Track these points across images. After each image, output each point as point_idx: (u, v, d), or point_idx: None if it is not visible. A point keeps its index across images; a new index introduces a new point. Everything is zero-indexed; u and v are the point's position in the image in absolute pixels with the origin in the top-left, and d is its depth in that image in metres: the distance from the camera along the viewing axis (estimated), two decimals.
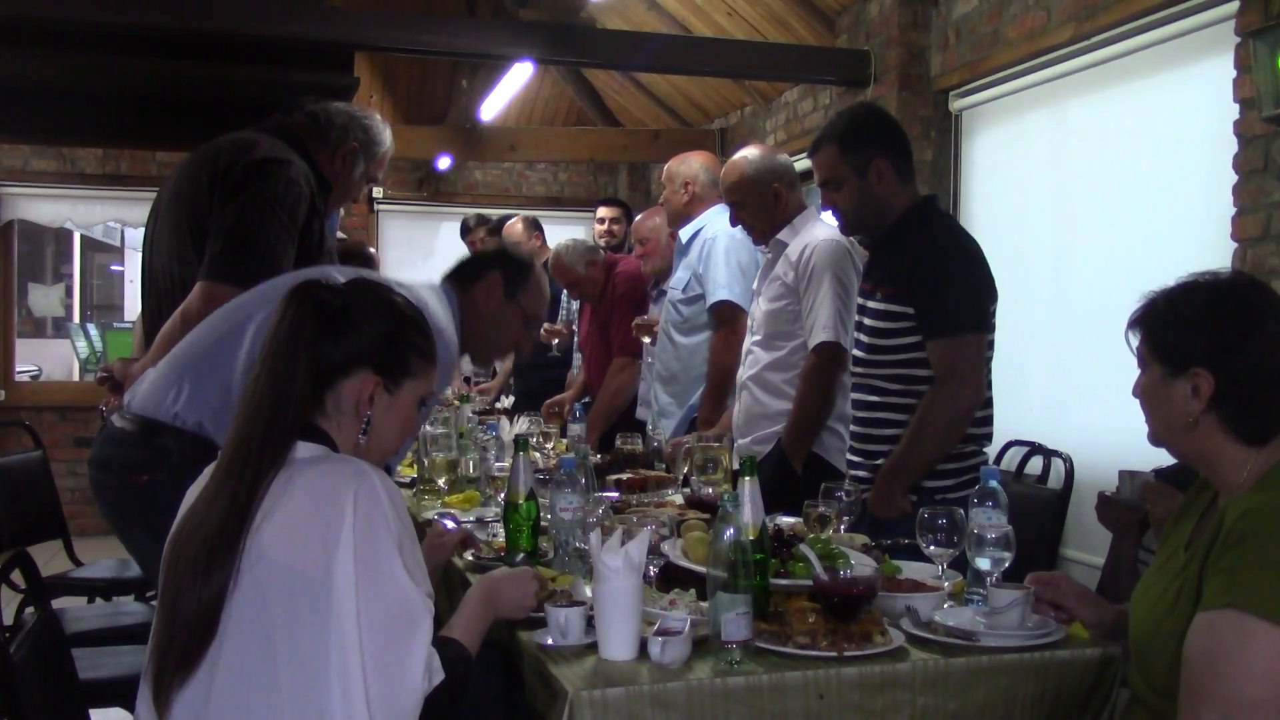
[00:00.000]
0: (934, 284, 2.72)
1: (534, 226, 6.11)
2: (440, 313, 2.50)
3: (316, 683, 1.59)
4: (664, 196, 4.24)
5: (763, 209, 3.53)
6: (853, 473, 2.90)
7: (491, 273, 2.72)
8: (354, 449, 1.79)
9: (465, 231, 6.75)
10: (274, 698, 1.59)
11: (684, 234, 4.13)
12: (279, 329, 1.75)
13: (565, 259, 4.97)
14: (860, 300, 2.95)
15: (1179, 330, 1.73)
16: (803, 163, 5.10)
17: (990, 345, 2.80)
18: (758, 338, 3.56)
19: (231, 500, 1.65)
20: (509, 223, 6.26)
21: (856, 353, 2.93)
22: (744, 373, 3.61)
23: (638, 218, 4.74)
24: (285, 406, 1.70)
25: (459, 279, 2.73)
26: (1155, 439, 1.83)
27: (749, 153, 3.62)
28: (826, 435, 3.40)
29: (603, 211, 6.08)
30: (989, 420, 2.83)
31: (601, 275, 4.93)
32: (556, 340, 5.48)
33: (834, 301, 3.31)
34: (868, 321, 2.86)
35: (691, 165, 4.18)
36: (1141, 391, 1.79)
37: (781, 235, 3.53)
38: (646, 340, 4.38)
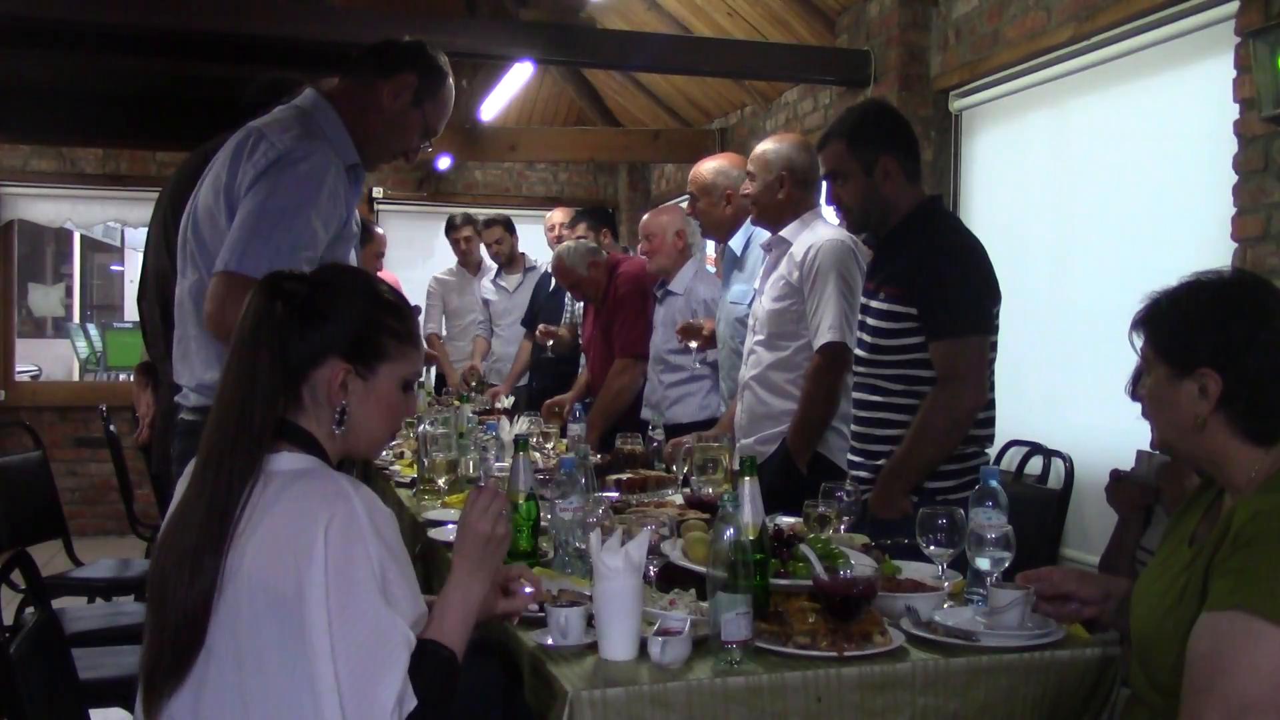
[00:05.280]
0: (937, 285, 2.72)
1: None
2: (322, 122, 2.47)
3: (286, 706, 1.56)
4: (700, 207, 3.99)
5: (765, 189, 3.55)
6: (854, 473, 2.90)
7: (406, 73, 2.57)
8: (329, 440, 1.74)
9: (450, 229, 6.80)
10: (244, 716, 1.58)
11: (735, 244, 3.96)
12: (242, 324, 1.70)
13: (567, 260, 4.97)
14: (863, 300, 2.95)
15: (1185, 330, 1.72)
16: None
17: (993, 346, 2.80)
18: (760, 337, 3.56)
19: (210, 506, 1.62)
20: (550, 214, 6.35)
21: (859, 352, 2.94)
22: (746, 372, 3.61)
23: (645, 216, 4.71)
24: (252, 404, 1.66)
25: (370, 67, 2.59)
26: (1162, 441, 1.83)
27: (777, 140, 3.66)
28: (831, 435, 3.39)
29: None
30: (990, 421, 2.83)
31: (604, 276, 4.92)
32: (551, 342, 5.48)
33: (839, 302, 3.30)
34: (871, 321, 2.86)
35: (731, 175, 3.91)
36: (1147, 393, 1.78)
37: (785, 233, 3.53)
38: (694, 344, 4.14)
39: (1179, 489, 2.29)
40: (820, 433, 3.38)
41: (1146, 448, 2.47)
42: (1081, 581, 1.99)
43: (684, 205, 4.37)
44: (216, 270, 2.33)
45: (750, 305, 3.76)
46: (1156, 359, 1.76)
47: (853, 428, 3.00)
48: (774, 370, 3.51)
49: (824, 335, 3.32)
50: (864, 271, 3.33)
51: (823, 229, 3.48)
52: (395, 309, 1.81)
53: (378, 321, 1.77)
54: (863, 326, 2.92)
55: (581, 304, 5.40)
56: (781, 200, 3.54)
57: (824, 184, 3.16)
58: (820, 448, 3.39)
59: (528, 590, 1.94)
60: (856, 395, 2.96)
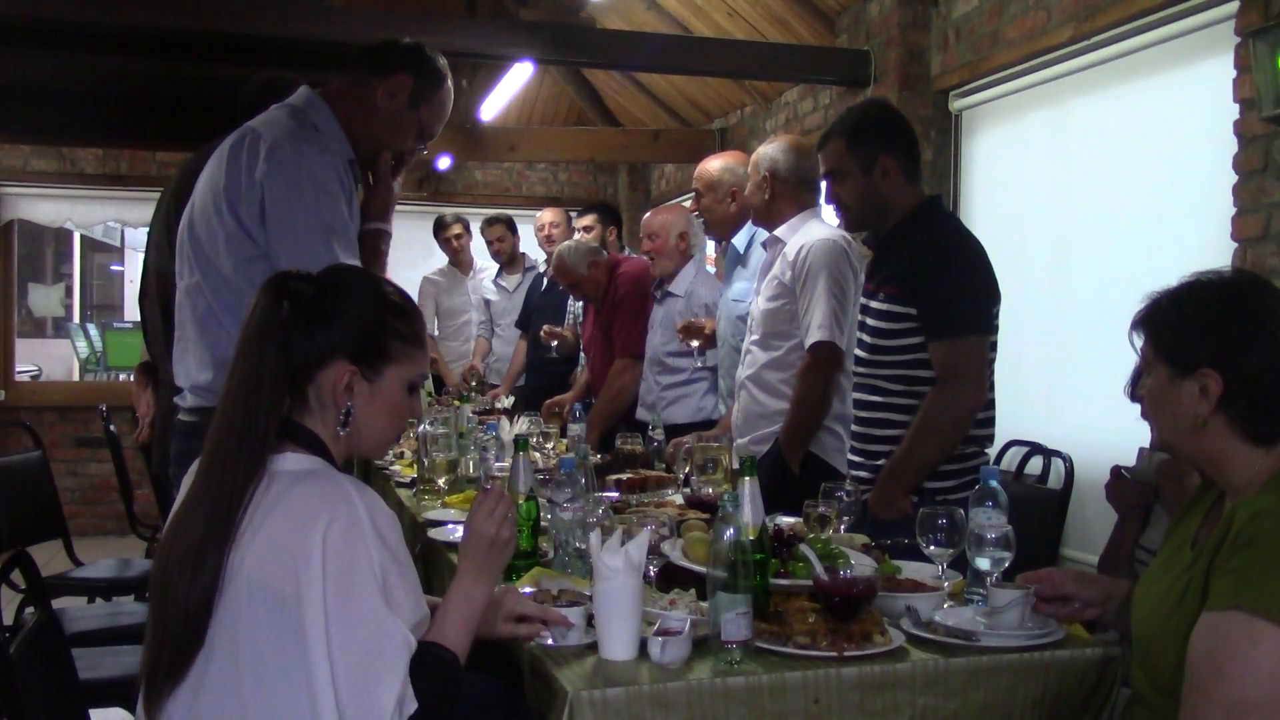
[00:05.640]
0: (936, 285, 2.72)
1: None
2: (316, 120, 2.47)
3: (284, 708, 1.56)
4: (705, 203, 3.99)
5: (754, 190, 3.60)
6: (854, 473, 2.90)
7: (401, 74, 2.57)
8: (334, 442, 1.75)
9: (440, 228, 6.83)
10: (240, 716, 1.58)
11: (739, 242, 3.98)
12: (248, 324, 1.70)
13: (567, 260, 4.96)
14: (863, 300, 2.95)
15: (1185, 330, 1.72)
16: None
17: (993, 347, 2.80)
18: (755, 337, 3.58)
19: (213, 507, 1.62)
20: (540, 214, 6.37)
21: (859, 353, 2.94)
22: (742, 372, 3.62)
23: (647, 214, 4.70)
24: (258, 405, 1.66)
25: (366, 67, 2.58)
26: (1163, 441, 1.83)
27: (768, 142, 3.67)
28: (824, 435, 3.41)
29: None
30: (990, 422, 2.83)
31: (604, 276, 4.92)
32: (556, 342, 5.49)
33: (829, 301, 3.32)
34: (870, 322, 2.86)
35: (737, 172, 3.93)
36: (1148, 394, 1.78)
37: (780, 233, 3.55)
38: (695, 343, 4.16)
39: (1179, 487, 2.29)
40: (812, 432, 3.39)
41: (1148, 446, 2.47)
42: (1082, 583, 1.99)
43: (687, 203, 4.37)
44: None
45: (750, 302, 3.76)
46: (1157, 359, 1.76)
47: (853, 428, 3.01)
48: (768, 370, 3.52)
49: (814, 334, 3.33)
50: (856, 271, 3.36)
51: (816, 229, 3.49)
52: (402, 311, 1.81)
53: (384, 323, 1.77)
54: (862, 327, 2.92)
55: (581, 304, 5.40)
56: (768, 200, 3.57)
57: (824, 183, 3.16)
58: (813, 447, 3.40)
59: (545, 639, 1.92)
60: (856, 395, 2.96)
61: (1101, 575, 2.06)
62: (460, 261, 6.84)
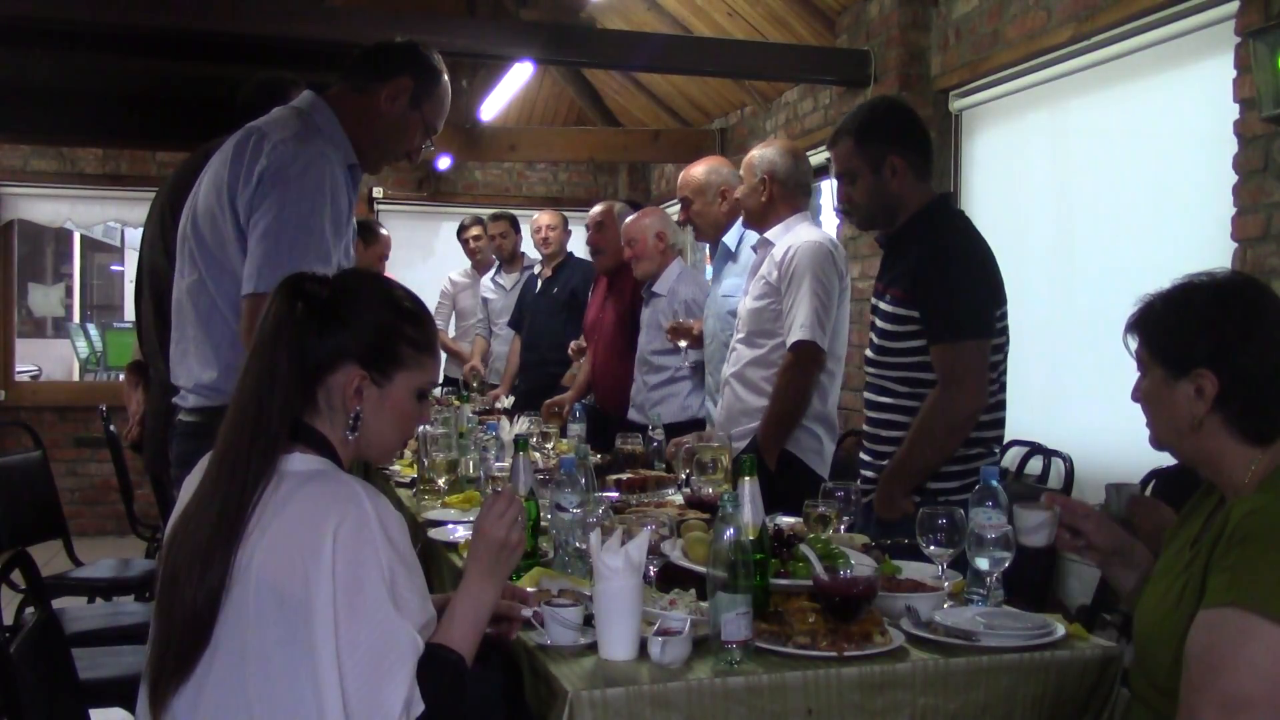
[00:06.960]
0: (937, 289, 2.71)
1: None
2: (321, 123, 2.49)
3: (289, 707, 1.56)
4: (695, 209, 4.02)
5: (750, 192, 3.63)
6: (863, 472, 2.91)
7: (401, 77, 2.59)
8: (342, 445, 1.75)
9: (460, 230, 6.82)
10: (246, 715, 1.58)
11: (729, 239, 4.02)
12: (263, 325, 1.71)
13: (615, 209, 4.95)
14: (873, 300, 2.95)
15: (1180, 332, 1.73)
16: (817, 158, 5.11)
17: (998, 349, 2.78)
18: (741, 335, 3.63)
19: (223, 505, 1.62)
20: (537, 216, 6.34)
21: (868, 353, 2.94)
22: (727, 370, 3.68)
23: (626, 220, 4.71)
24: (270, 406, 1.66)
25: (365, 72, 2.61)
26: (1158, 442, 1.83)
27: (765, 145, 3.70)
28: (801, 434, 3.44)
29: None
30: (999, 423, 2.81)
31: (621, 248, 4.86)
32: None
33: (812, 301, 3.36)
34: (879, 323, 2.87)
35: (722, 172, 3.99)
36: (1144, 395, 1.79)
37: (770, 235, 3.60)
38: (683, 344, 4.18)
39: (1151, 523, 2.23)
40: (789, 429, 3.42)
41: (1113, 483, 2.44)
42: (1099, 528, 1.99)
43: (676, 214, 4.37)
44: (244, 294, 2.36)
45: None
46: (1152, 361, 1.76)
47: (863, 427, 3.01)
48: (751, 367, 3.56)
49: (795, 333, 3.38)
50: (842, 274, 3.44)
51: (804, 231, 3.54)
52: (414, 317, 1.81)
53: (396, 329, 1.77)
54: (872, 327, 2.92)
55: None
56: (764, 203, 3.61)
57: (818, 187, 3.18)
58: (790, 446, 3.42)
59: (524, 612, 1.93)
60: (866, 396, 2.96)
61: (1120, 529, 2.05)
62: (479, 262, 6.84)
